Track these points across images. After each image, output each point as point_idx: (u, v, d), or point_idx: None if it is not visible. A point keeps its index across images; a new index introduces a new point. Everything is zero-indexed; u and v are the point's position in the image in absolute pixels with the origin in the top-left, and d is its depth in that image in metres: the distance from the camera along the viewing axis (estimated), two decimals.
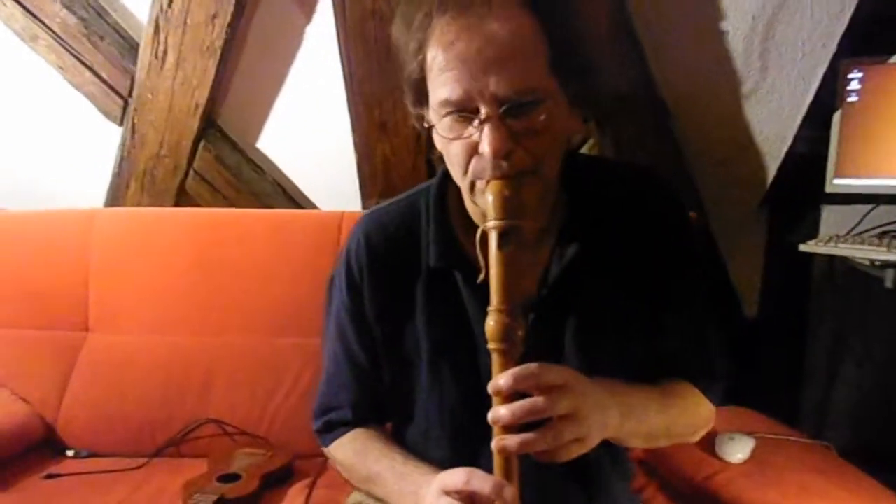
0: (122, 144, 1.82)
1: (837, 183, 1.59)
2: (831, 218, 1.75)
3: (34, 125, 1.87)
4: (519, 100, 0.66)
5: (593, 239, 0.78)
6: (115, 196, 1.86)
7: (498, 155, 0.66)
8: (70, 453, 1.50)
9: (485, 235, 0.66)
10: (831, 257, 1.61)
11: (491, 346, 0.63)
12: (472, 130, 0.68)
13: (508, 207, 0.65)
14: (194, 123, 1.77)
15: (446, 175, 0.80)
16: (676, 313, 0.81)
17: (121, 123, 1.82)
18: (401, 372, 0.85)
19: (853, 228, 1.62)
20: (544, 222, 0.79)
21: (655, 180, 0.84)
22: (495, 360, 0.63)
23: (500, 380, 0.61)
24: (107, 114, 1.82)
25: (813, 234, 1.67)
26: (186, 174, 1.82)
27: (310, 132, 1.83)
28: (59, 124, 1.86)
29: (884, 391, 1.54)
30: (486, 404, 0.63)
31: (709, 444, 1.24)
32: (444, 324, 0.80)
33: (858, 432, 1.62)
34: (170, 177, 1.82)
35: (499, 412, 0.61)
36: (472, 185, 0.72)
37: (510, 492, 0.60)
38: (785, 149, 1.70)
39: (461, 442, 0.79)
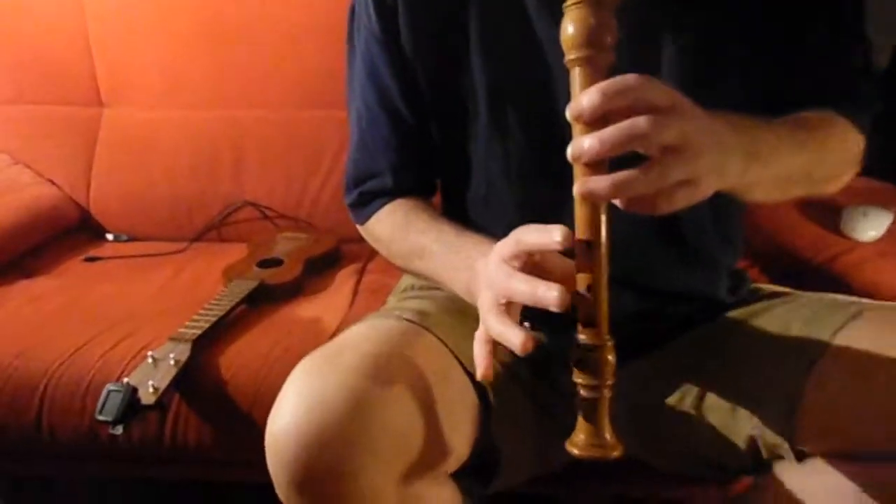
0: None
1: None
2: None
3: None
4: None
5: None
6: None
7: None
8: (110, 237, 1.44)
9: None
10: None
11: (570, 56, 0.45)
12: None
13: None
14: None
15: None
16: (813, 22, 0.62)
17: None
18: (452, 121, 0.68)
19: None
20: None
21: None
22: (577, 75, 0.45)
23: (584, 98, 0.43)
24: None
25: None
26: None
27: None
28: None
29: None
30: (564, 149, 0.45)
31: (832, 219, 1.03)
32: (506, 50, 0.63)
33: None
34: None
35: (582, 143, 0.43)
36: None
37: (560, 233, 0.45)
38: None
39: (533, 204, 0.65)
